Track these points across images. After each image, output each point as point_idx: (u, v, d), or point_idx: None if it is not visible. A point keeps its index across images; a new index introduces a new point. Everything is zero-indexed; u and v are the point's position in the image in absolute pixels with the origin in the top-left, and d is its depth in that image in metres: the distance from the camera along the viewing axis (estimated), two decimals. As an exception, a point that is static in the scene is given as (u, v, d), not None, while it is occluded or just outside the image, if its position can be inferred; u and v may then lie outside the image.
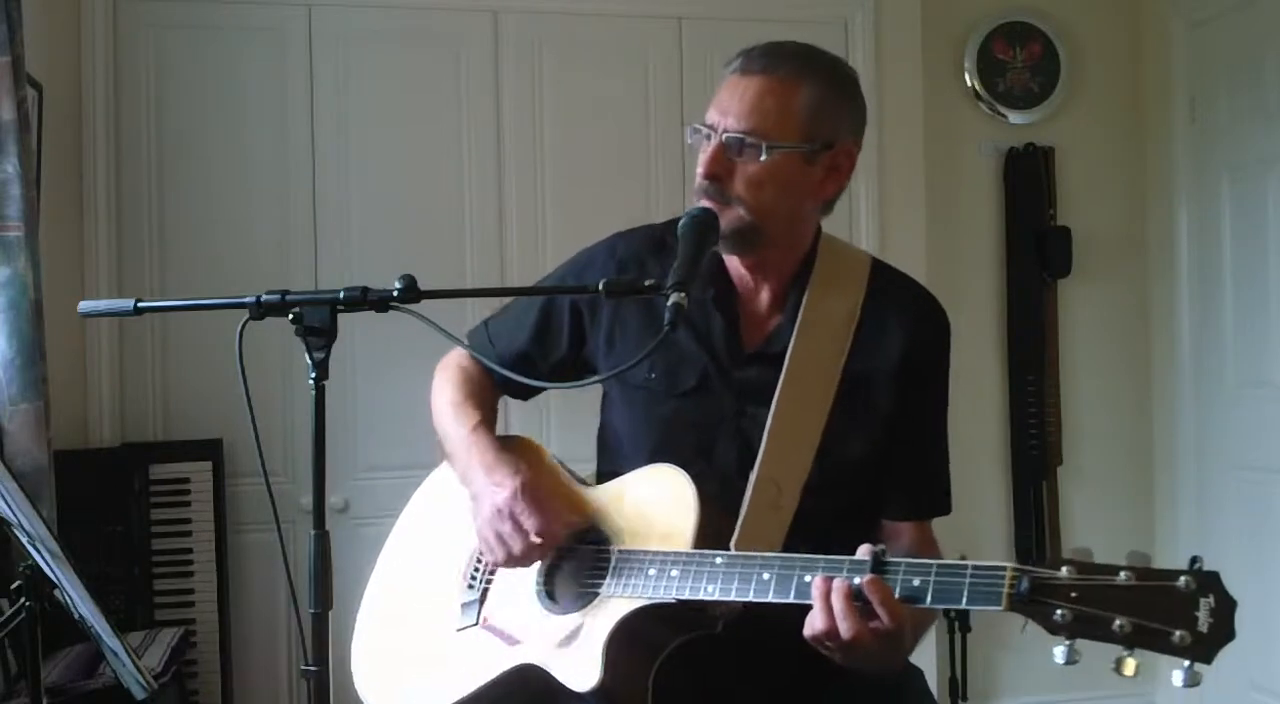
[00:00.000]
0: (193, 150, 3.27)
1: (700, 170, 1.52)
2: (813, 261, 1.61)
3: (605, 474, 1.68)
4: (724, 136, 1.51)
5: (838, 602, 1.27)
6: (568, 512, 1.56)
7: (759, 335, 1.61)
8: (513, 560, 1.54)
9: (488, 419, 1.70)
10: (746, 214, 1.51)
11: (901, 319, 1.60)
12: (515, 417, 2.93)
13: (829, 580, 1.28)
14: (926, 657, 3.46)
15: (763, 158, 1.49)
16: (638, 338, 1.62)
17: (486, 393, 1.75)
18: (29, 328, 2.47)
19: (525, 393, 1.84)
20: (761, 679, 1.55)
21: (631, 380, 1.63)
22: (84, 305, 1.39)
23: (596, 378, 1.65)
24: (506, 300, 1.82)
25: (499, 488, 1.55)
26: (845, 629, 1.26)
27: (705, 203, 1.52)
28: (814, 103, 1.52)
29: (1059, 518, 3.86)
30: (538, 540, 1.52)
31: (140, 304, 1.33)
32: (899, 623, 1.26)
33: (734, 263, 1.61)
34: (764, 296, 1.62)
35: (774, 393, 1.55)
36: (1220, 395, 3.71)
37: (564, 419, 3.25)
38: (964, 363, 3.73)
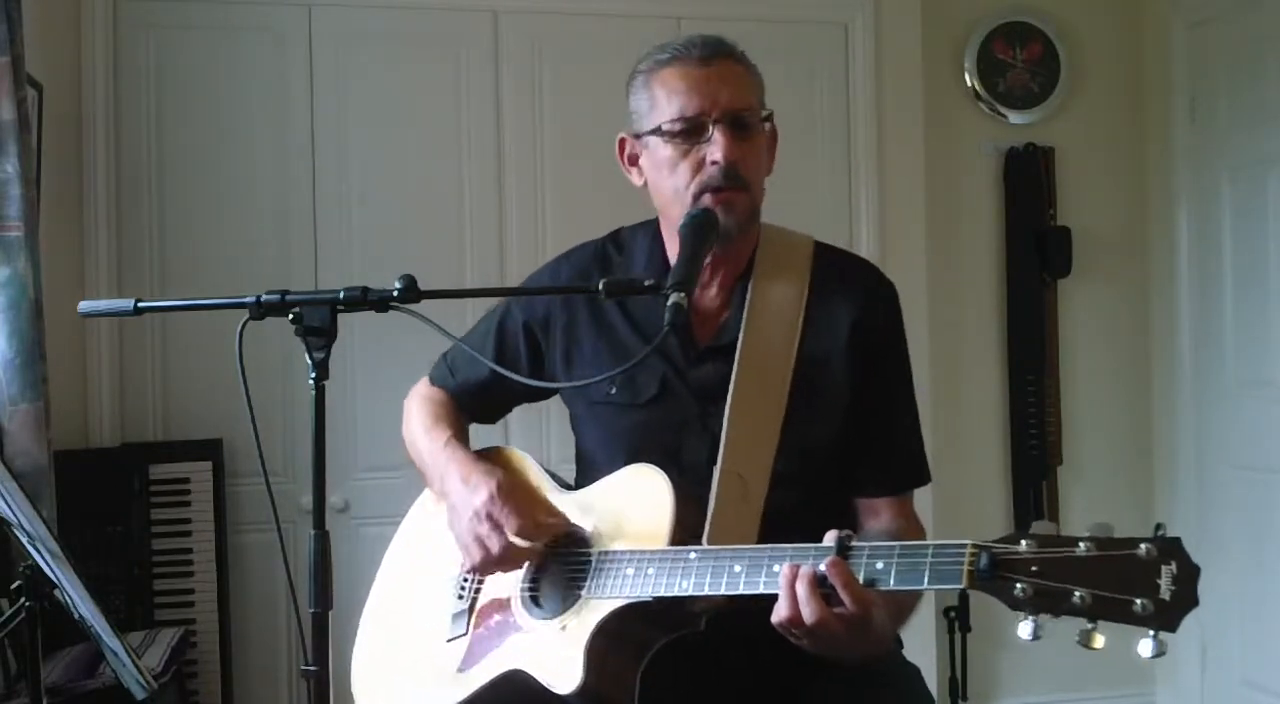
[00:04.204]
0: (192, 150, 3.27)
1: (720, 158, 1.51)
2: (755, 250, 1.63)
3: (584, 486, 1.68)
4: (729, 118, 1.52)
5: (801, 587, 1.26)
6: (545, 513, 1.56)
7: (710, 331, 1.61)
8: (492, 562, 1.53)
9: (459, 435, 1.71)
10: (753, 195, 1.55)
11: (847, 295, 1.60)
12: (516, 426, 2.95)
13: (795, 567, 1.28)
14: (926, 656, 3.46)
15: (766, 128, 1.56)
16: (594, 355, 1.63)
17: (456, 414, 1.76)
18: (29, 328, 2.47)
19: (490, 415, 1.85)
20: (751, 677, 1.54)
21: (594, 397, 1.64)
22: (84, 305, 1.39)
23: (566, 384, 1.65)
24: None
25: (475, 492, 1.55)
26: (808, 614, 1.26)
27: (712, 199, 1.51)
28: (756, 77, 1.60)
29: (1059, 518, 3.86)
30: (517, 540, 1.51)
31: (140, 304, 1.33)
32: (863, 607, 1.25)
33: None
34: (713, 291, 1.61)
35: (729, 387, 1.54)
36: (1220, 395, 3.71)
37: (563, 427, 3.25)
38: (964, 363, 3.79)
